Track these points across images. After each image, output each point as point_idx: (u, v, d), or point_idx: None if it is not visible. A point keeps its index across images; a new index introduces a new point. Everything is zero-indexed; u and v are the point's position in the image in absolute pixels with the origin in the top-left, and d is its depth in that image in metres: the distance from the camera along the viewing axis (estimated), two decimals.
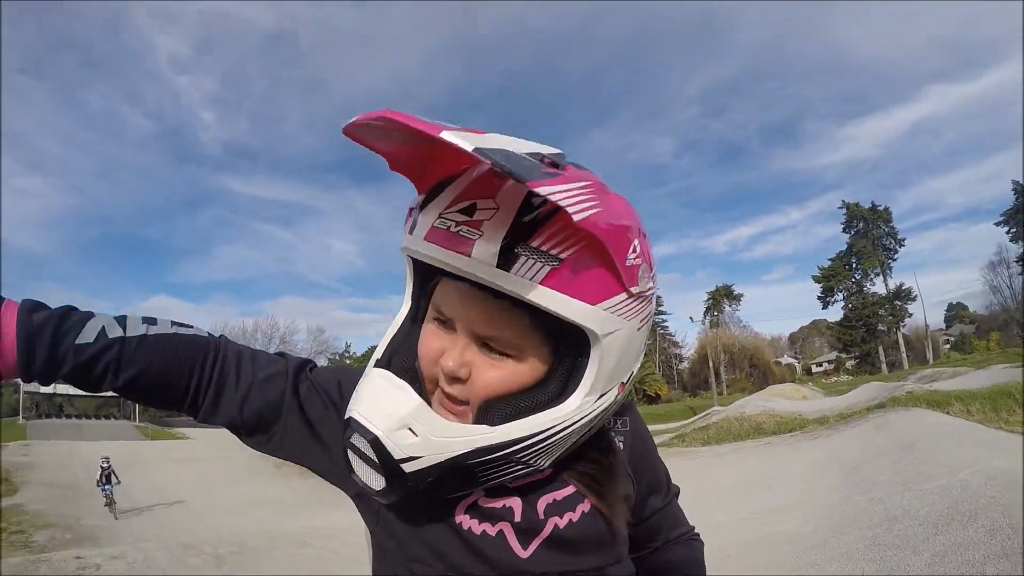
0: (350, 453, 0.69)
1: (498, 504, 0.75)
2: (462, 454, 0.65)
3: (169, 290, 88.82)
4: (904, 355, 56.89)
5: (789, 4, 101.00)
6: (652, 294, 0.72)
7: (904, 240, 61.67)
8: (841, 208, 63.12)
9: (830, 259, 64.10)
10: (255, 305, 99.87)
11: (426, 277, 0.75)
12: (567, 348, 0.68)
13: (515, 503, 0.76)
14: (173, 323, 0.79)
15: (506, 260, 0.59)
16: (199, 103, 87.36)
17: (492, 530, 0.74)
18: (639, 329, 0.70)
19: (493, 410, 0.68)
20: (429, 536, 0.75)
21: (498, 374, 0.68)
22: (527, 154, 0.59)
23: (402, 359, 0.75)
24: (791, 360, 77.18)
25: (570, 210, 0.53)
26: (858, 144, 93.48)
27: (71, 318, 0.70)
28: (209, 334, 0.82)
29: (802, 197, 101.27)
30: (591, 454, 0.80)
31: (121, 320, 0.74)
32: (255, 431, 0.81)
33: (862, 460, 9.35)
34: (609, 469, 0.81)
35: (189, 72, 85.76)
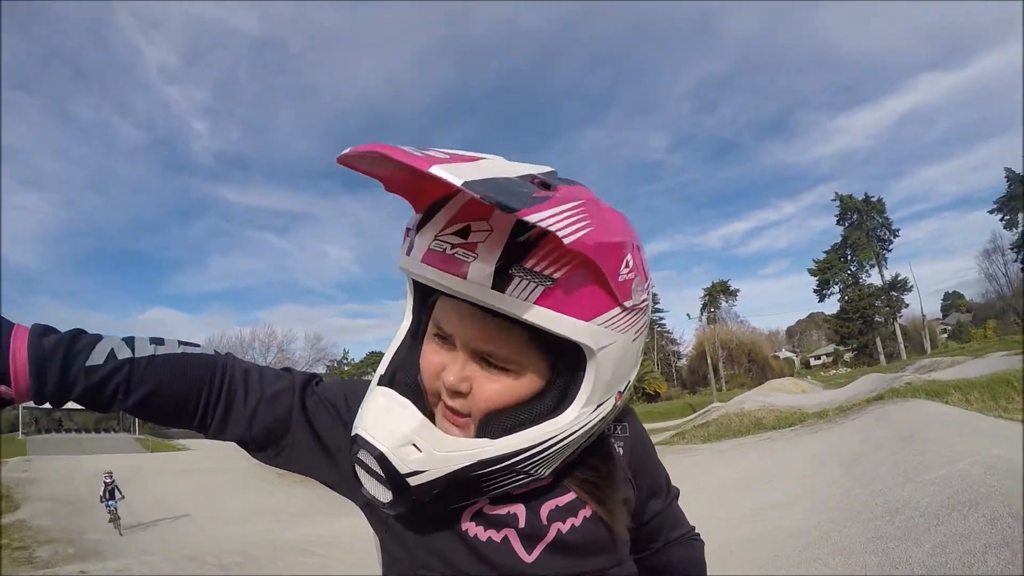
0: (358, 468, 0.71)
1: (502, 511, 0.78)
2: (465, 467, 0.67)
3: (165, 302, 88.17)
4: (902, 346, 57.09)
5: None
6: (647, 305, 0.74)
7: (898, 230, 62.07)
8: (834, 200, 63.41)
9: (825, 252, 64.43)
10: (251, 314, 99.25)
11: (425, 294, 0.77)
12: (564, 362, 0.70)
13: (519, 510, 0.78)
14: (180, 343, 0.81)
15: (501, 281, 0.61)
16: (190, 112, 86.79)
17: (497, 536, 0.77)
18: (634, 340, 0.72)
19: (494, 422, 0.70)
20: (436, 544, 0.77)
21: (497, 388, 0.70)
22: (519, 177, 0.61)
23: (405, 374, 0.78)
24: (789, 354, 77.54)
25: (560, 233, 0.55)
26: (850, 136, 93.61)
27: (80, 341, 0.72)
28: (216, 352, 0.84)
29: (795, 190, 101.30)
30: (590, 461, 0.82)
31: (129, 341, 0.75)
32: (265, 446, 0.83)
33: (862, 452, 9.39)
34: (608, 475, 0.84)
35: (178, 82, 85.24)
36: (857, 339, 61.99)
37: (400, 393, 0.73)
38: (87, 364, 0.70)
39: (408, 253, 0.69)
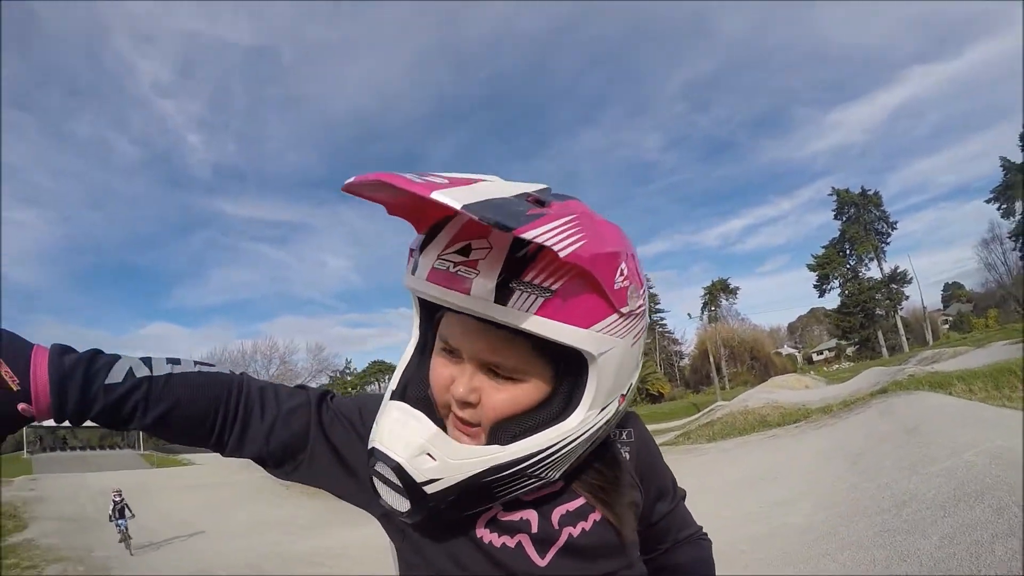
0: (375, 480, 0.74)
1: (516, 517, 0.81)
2: (478, 473, 0.71)
3: (165, 316, 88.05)
4: (904, 338, 57.03)
5: None
6: (643, 310, 0.78)
7: (896, 223, 62.07)
8: (831, 195, 63.51)
9: (824, 247, 64.46)
10: (252, 327, 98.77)
11: (431, 311, 0.80)
12: (567, 368, 0.74)
13: (531, 515, 0.81)
14: (196, 362, 0.84)
15: (502, 295, 0.64)
16: (185, 127, 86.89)
17: (511, 542, 0.79)
18: (633, 345, 0.76)
19: (503, 430, 0.74)
20: (453, 550, 0.80)
21: (505, 397, 0.73)
22: (514, 196, 0.65)
23: (416, 389, 0.81)
24: (791, 350, 77.27)
25: (556, 248, 0.59)
26: (844, 130, 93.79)
27: (99, 360, 0.74)
28: (231, 372, 0.87)
29: (792, 186, 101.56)
30: (598, 466, 0.86)
31: (147, 361, 0.78)
32: (282, 461, 0.85)
33: (867, 447, 9.41)
34: (615, 480, 0.87)
35: (173, 96, 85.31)
36: (859, 333, 61.98)
37: (412, 407, 0.76)
38: (107, 382, 0.72)
39: (413, 272, 0.72)
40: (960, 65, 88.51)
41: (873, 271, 61.82)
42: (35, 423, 0.74)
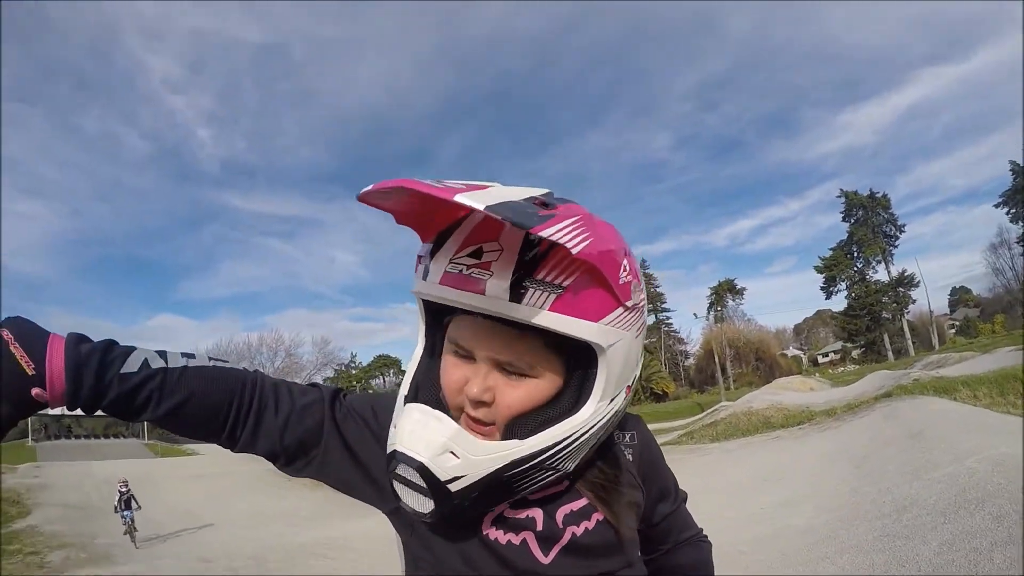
0: (396, 483, 0.76)
1: (521, 515, 0.83)
2: (500, 468, 0.73)
3: (173, 309, 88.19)
4: (910, 342, 56.82)
5: None
6: (643, 305, 0.81)
7: (904, 226, 61.86)
8: (840, 197, 63.25)
9: (831, 248, 64.24)
10: (259, 320, 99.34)
11: (437, 316, 0.83)
12: (577, 362, 0.77)
13: (536, 514, 0.83)
14: (211, 358, 0.85)
15: (517, 293, 0.67)
16: (195, 121, 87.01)
17: (516, 539, 0.82)
18: (636, 337, 0.79)
19: (519, 426, 0.76)
20: (461, 546, 0.82)
21: (519, 393, 0.75)
22: (523, 200, 0.67)
23: (427, 393, 0.83)
24: (797, 352, 77.24)
25: (569, 245, 0.62)
26: (855, 132, 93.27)
27: (115, 350, 0.75)
28: (244, 368, 0.88)
29: (801, 187, 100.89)
30: (600, 465, 0.88)
31: (162, 353, 0.79)
32: (295, 458, 0.87)
33: (870, 450, 9.40)
34: (615, 480, 0.89)
35: (183, 91, 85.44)
36: (865, 336, 61.75)
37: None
38: (122, 371, 0.73)
39: (425, 278, 0.74)
40: (971, 67, 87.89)
41: (880, 274, 61.71)
42: (46, 410, 0.75)
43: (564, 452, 0.75)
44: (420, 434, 0.74)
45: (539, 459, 0.73)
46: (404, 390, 0.83)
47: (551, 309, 0.67)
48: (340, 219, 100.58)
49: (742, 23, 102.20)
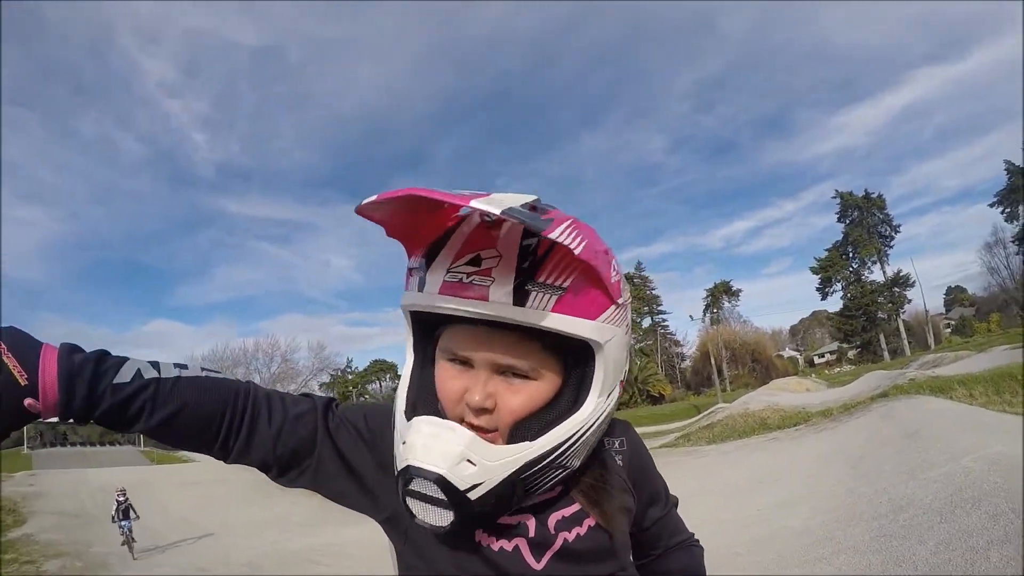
0: (410, 500, 0.74)
1: (514, 522, 0.83)
2: (515, 471, 0.73)
3: (168, 314, 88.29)
4: (905, 342, 57.00)
5: None
6: (629, 301, 0.84)
7: (899, 226, 62.20)
8: (835, 198, 63.55)
9: (827, 249, 64.53)
10: (254, 325, 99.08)
11: (427, 327, 0.82)
12: (575, 361, 0.78)
13: (529, 520, 0.83)
14: (203, 368, 0.85)
15: (520, 297, 0.68)
16: (190, 125, 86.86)
17: (508, 546, 0.82)
18: (626, 333, 0.81)
19: (523, 429, 0.75)
20: (453, 554, 0.82)
21: (521, 397, 0.75)
22: (521, 205, 0.67)
23: (424, 406, 0.81)
24: (793, 353, 77.36)
25: (571, 247, 0.63)
26: (849, 132, 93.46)
27: (108, 360, 0.75)
28: (237, 379, 0.88)
29: (796, 189, 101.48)
30: (591, 470, 0.88)
31: (155, 364, 0.79)
32: (288, 468, 0.86)
33: (866, 451, 9.42)
34: (607, 485, 0.89)
35: (178, 95, 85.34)
36: (860, 336, 61.96)
37: None
38: (115, 382, 0.73)
39: (420, 290, 0.74)
40: (965, 67, 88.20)
41: (876, 274, 62.07)
42: (39, 420, 0.75)
43: (572, 449, 0.75)
44: (434, 446, 0.72)
45: (550, 459, 0.74)
46: (401, 406, 0.81)
47: (554, 310, 0.69)
48: (335, 223, 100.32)
49: (739, 24, 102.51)
